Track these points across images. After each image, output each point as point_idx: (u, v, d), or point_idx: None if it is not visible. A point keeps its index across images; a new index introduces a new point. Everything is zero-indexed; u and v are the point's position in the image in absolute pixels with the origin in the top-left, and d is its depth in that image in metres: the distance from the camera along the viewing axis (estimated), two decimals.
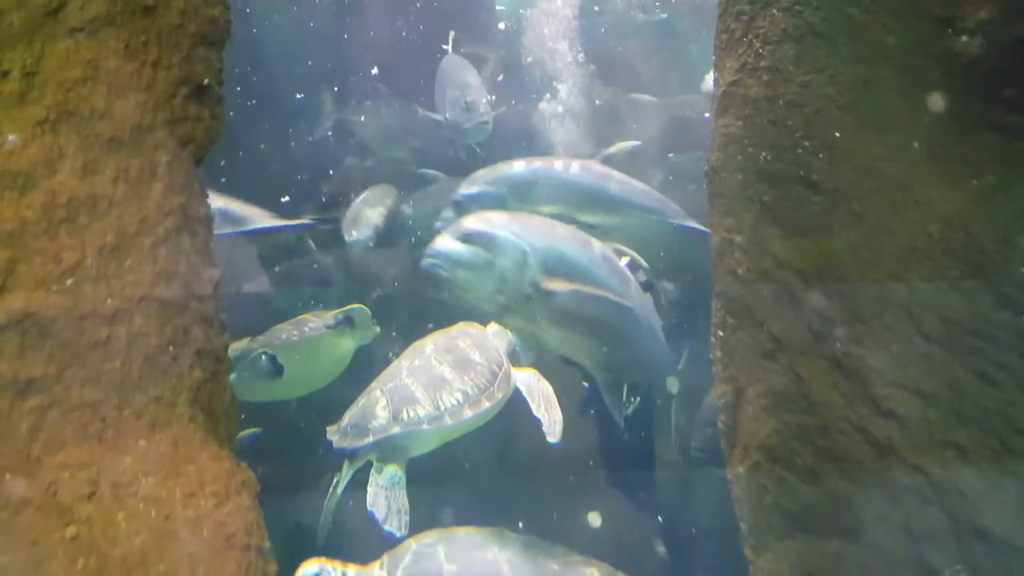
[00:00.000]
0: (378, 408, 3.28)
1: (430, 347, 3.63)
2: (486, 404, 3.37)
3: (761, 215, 2.59)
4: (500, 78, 6.43)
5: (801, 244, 2.44)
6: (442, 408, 3.30)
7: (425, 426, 3.23)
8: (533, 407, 3.44)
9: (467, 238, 3.53)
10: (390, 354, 4.16)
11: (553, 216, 4.14)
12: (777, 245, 2.54)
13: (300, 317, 4.29)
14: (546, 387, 3.55)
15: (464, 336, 3.75)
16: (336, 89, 5.96)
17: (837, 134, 2.40)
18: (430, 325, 4.13)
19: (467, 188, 4.56)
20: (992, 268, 1.91)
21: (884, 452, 1.97)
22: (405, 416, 3.23)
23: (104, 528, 1.10)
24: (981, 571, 1.71)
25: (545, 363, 3.91)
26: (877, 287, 2.15)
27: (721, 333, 2.84)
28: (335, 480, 3.29)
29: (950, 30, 2.06)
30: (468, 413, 3.32)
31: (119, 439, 1.18)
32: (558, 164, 4.57)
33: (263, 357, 3.60)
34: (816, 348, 2.30)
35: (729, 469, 2.53)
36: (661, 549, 4.51)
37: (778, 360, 2.44)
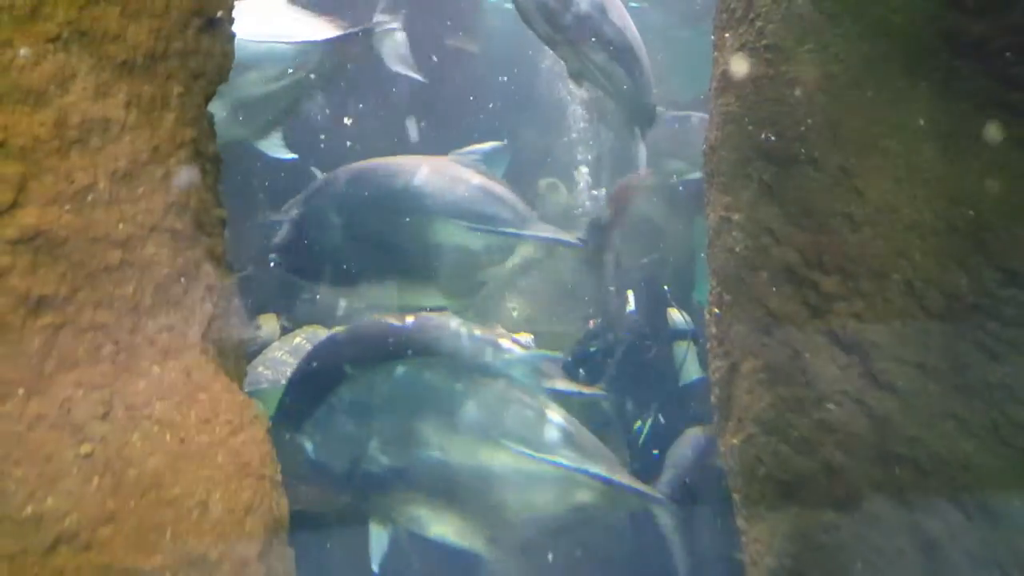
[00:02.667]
0: None
1: None
2: None
3: (760, 193, 2.58)
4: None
5: (801, 221, 2.43)
6: None
7: None
8: None
9: None
10: None
11: None
12: (776, 223, 2.53)
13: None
14: None
15: None
16: None
17: (840, 112, 2.39)
18: None
19: None
20: (998, 244, 1.92)
21: (882, 424, 1.97)
22: None
23: (119, 448, 1.07)
24: (983, 544, 1.71)
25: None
26: (879, 263, 2.15)
27: (717, 310, 2.83)
28: None
29: (956, 8, 2.05)
30: None
31: (132, 363, 1.15)
32: None
33: None
34: (813, 323, 2.30)
35: (722, 441, 2.53)
36: None
37: (774, 335, 2.44)
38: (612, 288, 4.36)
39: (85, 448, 1.05)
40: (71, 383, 1.08)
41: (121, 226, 1.16)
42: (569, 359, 4.55)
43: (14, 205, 1.06)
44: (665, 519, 3.31)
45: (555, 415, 3.25)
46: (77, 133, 1.14)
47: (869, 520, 1.88)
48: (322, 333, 4.49)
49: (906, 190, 2.15)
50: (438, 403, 3.15)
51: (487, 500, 3.13)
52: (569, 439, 3.27)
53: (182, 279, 1.24)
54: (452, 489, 3.06)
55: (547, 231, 3.74)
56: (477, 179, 3.82)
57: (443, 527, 3.10)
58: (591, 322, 4.90)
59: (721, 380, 2.67)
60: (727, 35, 2.73)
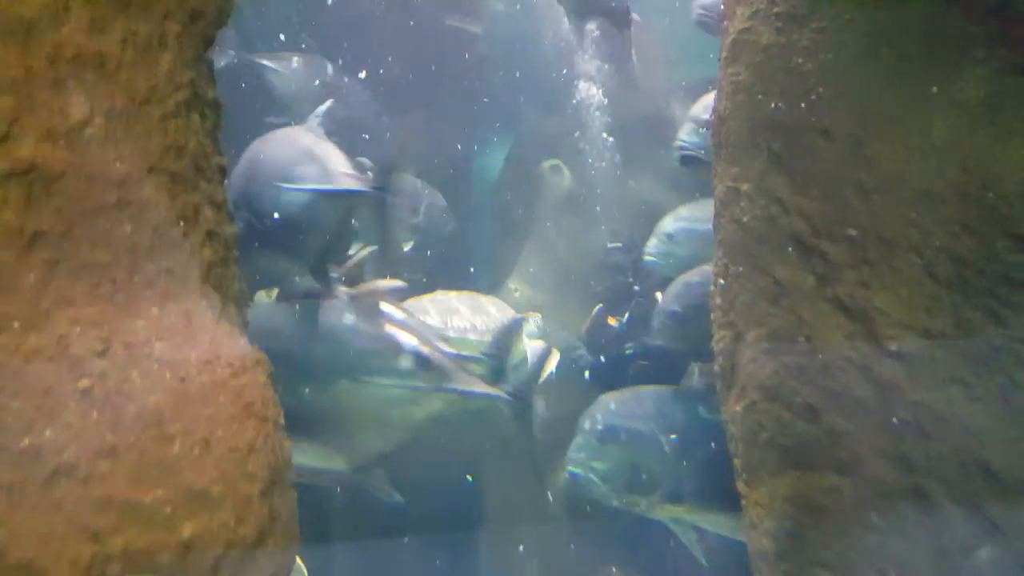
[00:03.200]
0: None
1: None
2: None
3: (769, 163, 2.54)
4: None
5: (810, 191, 2.40)
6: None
7: None
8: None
9: None
10: None
11: None
12: (785, 192, 2.49)
13: None
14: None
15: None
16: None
17: (853, 80, 2.34)
18: None
19: None
20: (1009, 210, 1.88)
21: (887, 390, 1.95)
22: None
23: (118, 384, 1.06)
24: (984, 504, 1.70)
25: None
26: (888, 232, 2.12)
27: (722, 281, 2.80)
28: None
29: None
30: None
31: (131, 303, 1.13)
32: None
33: None
34: (820, 292, 2.27)
35: (725, 409, 2.51)
36: None
37: (780, 305, 2.42)
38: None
39: (84, 383, 1.03)
40: (68, 319, 1.06)
41: (118, 165, 1.14)
42: (590, 358, 4.60)
43: (6, 137, 1.03)
44: (507, 412, 3.65)
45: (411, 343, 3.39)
46: (71, 68, 1.11)
47: (871, 483, 1.86)
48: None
49: (918, 158, 2.12)
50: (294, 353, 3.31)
51: (345, 426, 3.36)
52: (424, 363, 3.43)
53: (181, 223, 1.22)
54: (311, 423, 3.28)
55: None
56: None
57: (304, 456, 3.27)
58: (611, 319, 4.88)
59: (725, 350, 2.65)
60: (737, 4, 2.68)
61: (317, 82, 5.10)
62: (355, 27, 5.66)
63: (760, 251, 2.56)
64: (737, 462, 2.38)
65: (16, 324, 1.00)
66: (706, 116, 3.66)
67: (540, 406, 3.96)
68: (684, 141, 3.88)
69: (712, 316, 2.80)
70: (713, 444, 3.36)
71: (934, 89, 2.14)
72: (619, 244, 4.63)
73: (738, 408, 2.40)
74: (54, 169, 1.06)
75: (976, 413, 1.76)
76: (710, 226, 4.23)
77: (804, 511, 2.00)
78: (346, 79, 5.25)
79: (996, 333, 1.78)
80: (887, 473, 1.84)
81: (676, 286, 3.95)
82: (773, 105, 2.54)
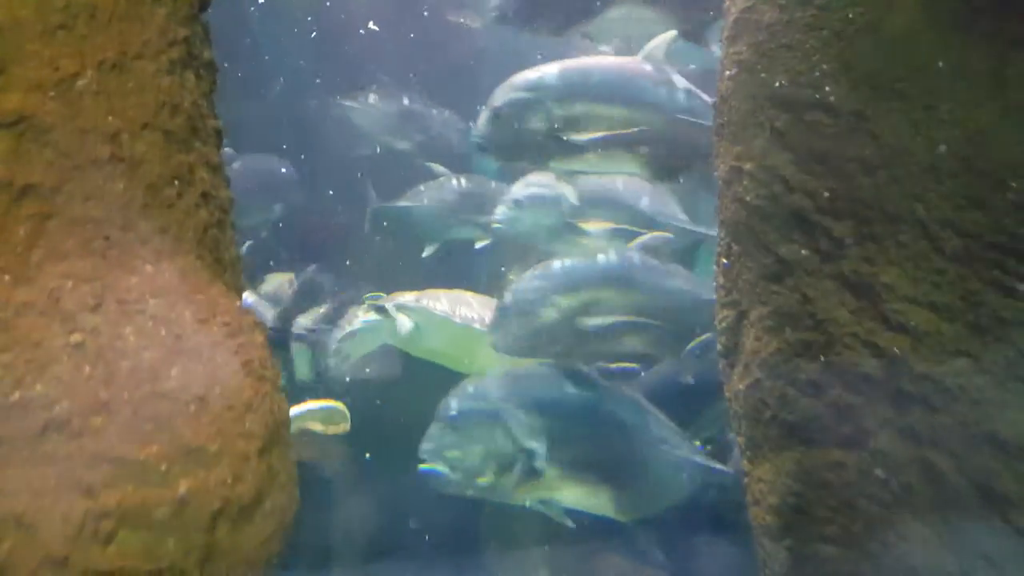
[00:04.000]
0: None
1: None
2: None
3: (772, 141, 2.50)
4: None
5: (814, 168, 2.36)
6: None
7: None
8: None
9: None
10: None
11: None
12: (788, 170, 2.45)
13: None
14: None
15: None
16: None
17: (856, 55, 2.30)
18: None
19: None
20: (1017, 183, 1.84)
21: (892, 364, 1.91)
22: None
23: (111, 340, 1.02)
24: (991, 475, 1.67)
25: None
26: (893, 207, 2.07)
27: (725, 260, 2.77)
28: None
29: None
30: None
31: (124, 260, 1.09)
32: None
33: None
34: (824, 269, 2.23)
35: (728, 388, 2.48)
36: None
37: (784, 282, 2.38)
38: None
39: (75, 337, 1.00)
40: (60, 274, 1.02)
41: (110, 119, 1.10)
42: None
43: None
44: None
45: None
46: (61, 18, 1.07)
47: (876, 457, 1.83)
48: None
49: (923, 133, 2.07)
50: None
51: None
52: None
53: (176, 182, 1.18)
54: None
55: None
56: None
57: None
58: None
59: (728, 329, 2.61)
60: None
61: (395, 110, 5.46)
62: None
63: (763, 229, 2.52)
64: (740, 440, 2.35)
65: (6, 277, 0.97)
66: (498, 103, 3.65)
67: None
68: (477, 132, 3.83)
69: (716, 295, 2.77)
70: (579, 420, 3.32)
71: (940, 63, 2.10)
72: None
73: (741, 386, 2.37)
74: (44, 121, 1.02)
75: (983, 385, 1.72)
76: (557, 193, 4.24)
77: (808, 486, 1.97)
78: (422, 106, 5.47)
79: (1003, 305, 1.74)
80: (892, 447, 1.81)
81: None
82: (776, 82, 2.50)
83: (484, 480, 3.31)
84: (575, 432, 3.41)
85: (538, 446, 3.31)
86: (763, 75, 2.53)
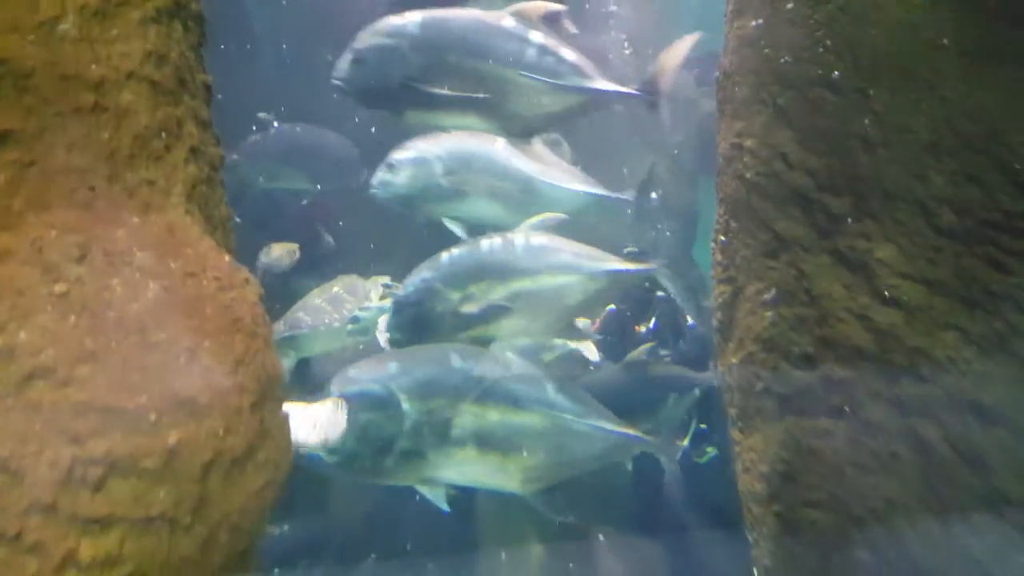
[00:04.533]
0: None
1: None
2: None
3: (774, 118, 2.47)
4: None
5: (815, 145, 2.33)
6: None
7: None
8: None
9: None
10: None
11: None
12: (790, 147, 2.42)
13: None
14: None
15: None
16: None
17: (860, 33, 2.26)
18: None
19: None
20: (1015, 161, 1.81)
21: (885, 337, 1.90)
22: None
23: (97, 291, 0.99)
24: (975, 444, 1.67)
25: None
26: (891, 184, 2.05)
27: (723, 237, 2.74)
28: None
29: None
30: None
31: (110, 212, 1.06)
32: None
33: None
34: (821, 245, 2.21)
35: (721, 361, 2.47)
36: None
37: (780, 258, 2.36)
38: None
39: (60, 287, 0.97)
40: (43, 223, 0.99)
41: (94, 67, 1.05)
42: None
43: None
44: None
45: None
46: None
47: (865, 426, 1.82)
48: (359, 283, 4.55)
49: (925, 111, 2.04)
50: None
51: None
52: None
53: (163, 134, 1.14)
54: None
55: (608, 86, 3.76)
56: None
57: None
58: (637, 327, 4.87)
59: (724, 304, 2.60)
60: None
61: None
62: None
63: (763, 206, 2.50)
64: (732, 412, 2.34)
65: None
66: (360, 47, 3.53)
67: None
68: (337, 75, 3.67)
69: (712, 272, 2.75)
70: (468, 397, 3.29)
71: (944, 41, 2.06)
72: (635, 249, 4.56)
73: (735, 360, 2.35)
74: (24, 65, 0.98)
75: (972, 357, 1.71)
76: (437, 157, 4.20)
77: (797, 454, 1.97)
78: None
79: (995, 280, 1.72)
80: (881, 416, 1.81)
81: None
82: (780, 59, 2.46)
83: (365, 463, 3.26)
84: (464, 409, 3.37)
85: (418, 426, 3.26)
86: (767, 51, 2.49)
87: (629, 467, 4.59)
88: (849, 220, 2.15)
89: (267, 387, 1.09)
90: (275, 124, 5.32)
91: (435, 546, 4.25)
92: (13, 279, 0.93)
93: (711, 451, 4.25)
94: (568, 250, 3.91)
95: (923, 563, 1.71)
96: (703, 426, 4.47)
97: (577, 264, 3.86)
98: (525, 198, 4.30)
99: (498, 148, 4.28)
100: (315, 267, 5.19)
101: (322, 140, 5.53)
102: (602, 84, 3.77)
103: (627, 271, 3.94)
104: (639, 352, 4.27)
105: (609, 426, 3.56)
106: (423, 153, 4.21)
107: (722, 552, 4.09)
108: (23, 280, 0.94)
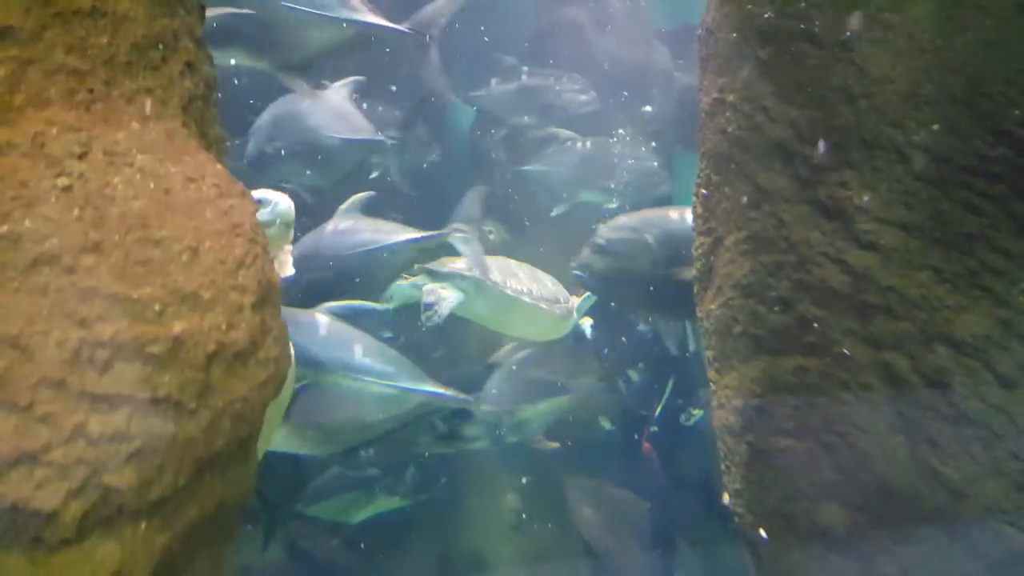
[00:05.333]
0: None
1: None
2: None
3: (756, 72, 2.49)
4: None
5: (796, 98, 2.36)
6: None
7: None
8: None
9: None
10: None
11: None
12: (771, 100, 2.45)
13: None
14: None
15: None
16: None
17: None
18: None
19: None
20: (992, 107, 1.86)
21: (860, 279, 1.96)
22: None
23: (99, 187, 0.99)
24: (944, 372, 1.74)
25: None
26: (871, 134, 2.09)
27: (704, 191, 2.78)
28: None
29: None
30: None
31: (110, 114, 1.06)
32: None
33: None
34: (801, 194, 2.26)
35: (700, 308, 2.52)
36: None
37: (761, 209, 2.40)
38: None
39: (63, 181, 0.97)
40: (43, 120, 0.99)
41: None
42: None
43: None
44: None
45: None
46: None
47: (838, 360, 1.89)
48: None
49: (905, 62, 2.08)
50: None
51: None
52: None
53: (160, 45, 1.14)
54: None
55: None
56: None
57: None
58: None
59: (704, 254, 2.64)
60: None
61: (514, 88, 5.70)
62: None
63: (744, 159, 2.53)
64: (709, 354, 2.40)
65: None
66: None
67: None
68: None
69: (693, 226, 2.79)
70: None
71: None
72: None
73: (713, 306, 2.41)
74: None
75: (944, 294, 1.78)
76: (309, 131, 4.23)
77: (771, 389, 2.03)
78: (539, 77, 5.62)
79: (969, 222, 1.79)
80: (853, 351, 1.87)
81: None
82: (762, 14, 2.48)
83: None
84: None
85: None
86: (749, 7, 2.51)
87: (607, 426, 4.69)
88: (829, 170, 2.19)
89: (267, 291, 1.11)
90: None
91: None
92: (16, 171, 0.93)
93: (697, 413, 4.34)
94: (369, 228, 3.98)
95: (888, 478, 1.79)
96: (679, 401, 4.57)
97: (376, 239, 3.93)
98: None
99: (302, 106, 4.26)
100: None
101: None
102: (371, 18, 3.77)
103: (422, 238, 3.98)
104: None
105: (416, 386, 3.60)
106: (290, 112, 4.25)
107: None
108: (26, 172, 0.94)
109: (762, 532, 2.03)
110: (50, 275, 0.91)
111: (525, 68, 5.67)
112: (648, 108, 5.96)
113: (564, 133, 5.57)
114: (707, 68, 2.75)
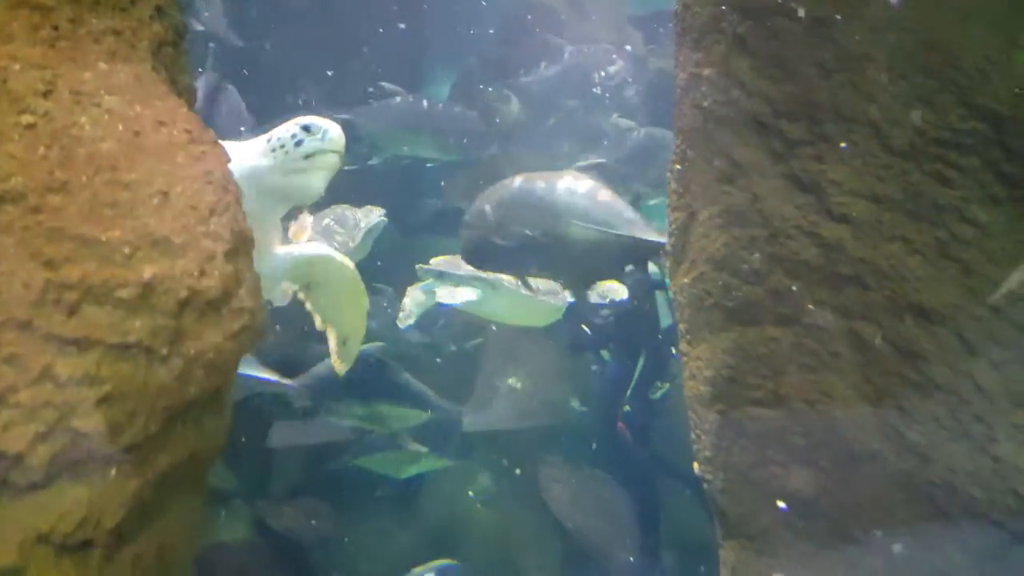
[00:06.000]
0: None
1: None
2: None
3: (733, 47, 2.51)
4: None
5: (772, 72, 2.38)
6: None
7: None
8: None
9: None
10: None
11: None
12: (747, 75, 2.47)
13: None
14: None
15: None
16: None
17: None
18: None
19: None
20: (966, 81, 1.91)
21: (832, 250, 2.00)
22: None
23: (65, 126, 0.97)
24: (912, 340, 1.79)
25: None
26: (846, 108, 2.13)
27: (679, 167, 2.80)
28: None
29: None
30: None
31: (76, 53, 1.02)
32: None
33: None
34: (775, 168, 2.29)
35: (673, 282, 2.54)
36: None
37: (736, 183, 2.43)
38: None
39: (26, 118, 0.94)
40: (5, 55, 0.95)
41: None
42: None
43: None
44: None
45: None
46: None
47: (808, 331, 1.93)
48: (349, 213, 4.56)
49: (882, 37, 2.11)
50: None
51: None
52: None
53: None
54: None
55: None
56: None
57: None
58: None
59: (678, 230, 2.66)
60: None
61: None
62: None
63: (719, 134, 2.55)
64: (681, 327, 2.43)
65: None
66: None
67: None
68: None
69: (667, 200, 2.80)
70: None
71: None
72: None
73: (686, 280, 2.43)
74: None
75: (915, 264, 1.82)
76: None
77: (742, 359, 2.07)
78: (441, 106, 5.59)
79: (941, 194, 1.83)
80: (824, 321, 1.91)
81: None
82: None
83: None
84: None
85: None
86: None
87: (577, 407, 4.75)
88: (804, 144, 2.23)
89: (240, 240, 1.09)
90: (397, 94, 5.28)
91: None
92: None
93: (664, 387, 4.41)
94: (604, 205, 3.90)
95: (856, 444, 1.85)
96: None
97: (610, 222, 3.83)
98: None
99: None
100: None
101: (450, 111, 5.52)
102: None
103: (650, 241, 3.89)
104: None
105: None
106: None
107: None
108: None
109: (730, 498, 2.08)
110: (15, 213, 0.88)
111: (569, 47, 5.62)
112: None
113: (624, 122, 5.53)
114: (683, 43, 2.76)
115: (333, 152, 2.44)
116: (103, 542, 0.86)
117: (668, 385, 4.43)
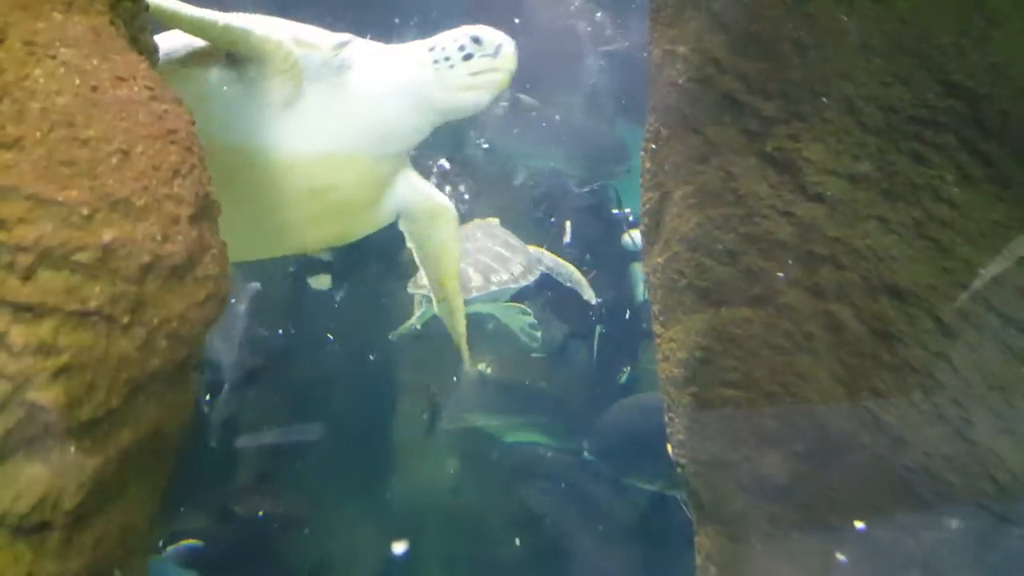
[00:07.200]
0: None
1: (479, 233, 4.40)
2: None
3: (708, 23, 2.52)
4: None
5: (748, 50, 2.40)
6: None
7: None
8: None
9: None
10: None
11: None
12: (722, 52, 2.49)
13: None
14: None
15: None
16: None
17: None
18: None
19: None
20: (944, 60, 1.94)
21: (806, 230, 2.03)
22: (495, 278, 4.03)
23: (18, 78, 0.92)
24: (886, 320, 1.83)
25: None
26: (821, 85, 2.15)
27: (653, 146, 2.81)
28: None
29: None
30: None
31: (28, 1, 0.97)
32: None
33: None
34: (750, 147, 2.31)
35: (646, 263, 2.56)
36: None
37: (710, 162, 2.45)
38: None
39: None
40: None
41: None
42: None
43: None
44: None
45: None
46: None
47: (781, 312, 1.96)
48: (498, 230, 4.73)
49: (858, 13, 2.14)
50: None
51: None
52: None
53: None
54: None
55: None
56: None
57: None
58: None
59: (651, 210, 2.68)
60: None
61: None
62: None
63: (693, 111, 2.56)
64: (655, 308, 2.45)
65: None
66: None
67: None
68: None
69: (641, 181, 2.82)
70: None
71: None
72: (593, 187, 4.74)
73: (660, 260, 2.45)
74: None
75: (890, 244, 1.86)
76: None
77: (716, 341, 2.09)
78: None
79: (917, 172, 1.87)
80: (798, 302, 1.94)
81: None
82: None
83: None
84: None
85: None
86: None
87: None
88: (779, 122, 2.25)
89: (205, 205, 1.05)
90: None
91: None
92: None
93: (626, 371, 4.47)
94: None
95: (829, 426, 1.88)
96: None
97: None
98: None
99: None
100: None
101: (587, 126, 5.48)
102: None
103: None
104: None
105: None
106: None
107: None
108: None
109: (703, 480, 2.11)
110: None
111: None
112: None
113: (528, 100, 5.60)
114: (657, 20, 2.76)
115: (505, 71, 2.26)
116: (61, 524, 0.83)
117: (629, 369, 4.51)
